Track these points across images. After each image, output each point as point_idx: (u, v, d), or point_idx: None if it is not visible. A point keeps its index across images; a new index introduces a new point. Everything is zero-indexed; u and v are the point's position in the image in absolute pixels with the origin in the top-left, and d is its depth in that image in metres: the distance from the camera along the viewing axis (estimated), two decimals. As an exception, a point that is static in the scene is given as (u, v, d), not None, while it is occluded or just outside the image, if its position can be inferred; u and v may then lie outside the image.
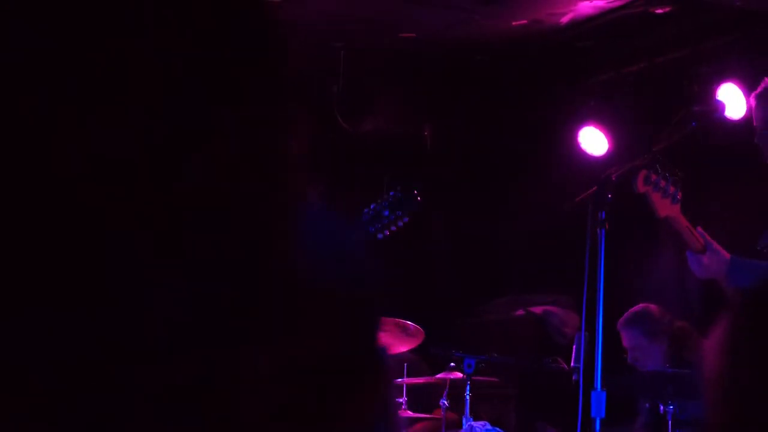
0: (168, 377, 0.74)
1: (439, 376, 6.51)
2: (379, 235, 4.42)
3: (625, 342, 5.69)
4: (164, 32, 0.73)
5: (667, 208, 4.34)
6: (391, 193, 4.52)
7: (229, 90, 0.76)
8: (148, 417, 0.73)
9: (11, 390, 0.70)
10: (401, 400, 6.55)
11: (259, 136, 0.78)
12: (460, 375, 6.30)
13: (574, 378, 5.13)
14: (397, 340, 6.47)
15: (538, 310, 7.33)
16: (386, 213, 4.47)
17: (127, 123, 0.72)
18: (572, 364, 5.58)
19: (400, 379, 6.55)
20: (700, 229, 4.45)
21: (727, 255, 4.26)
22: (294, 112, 0.81)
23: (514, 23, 6.94)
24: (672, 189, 4.35)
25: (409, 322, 6.42)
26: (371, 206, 4.49)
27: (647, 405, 5.55)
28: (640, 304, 5.76)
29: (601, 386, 4.28)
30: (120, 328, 0.72)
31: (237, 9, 0.78)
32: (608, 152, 7.13)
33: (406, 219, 4.47)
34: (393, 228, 4.46)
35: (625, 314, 5.72)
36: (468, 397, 6.13)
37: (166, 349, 0.74)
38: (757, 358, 1.04)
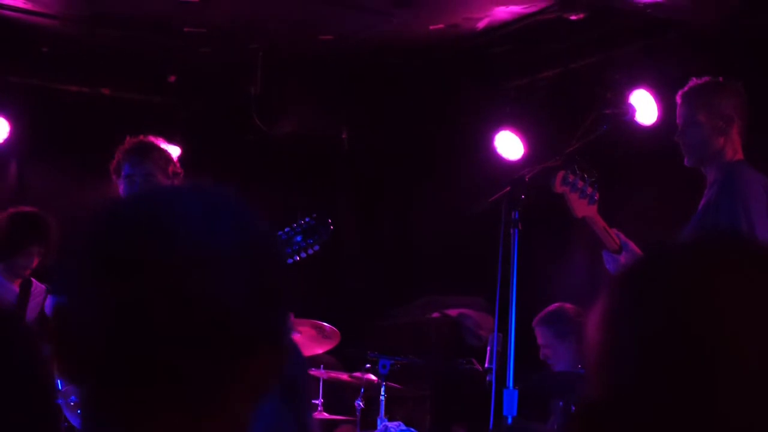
0: None
1: (355, 375, 6.53)
2: (289, 260, 4.45)
3: (539, 339, 5.76)
4: None
5: (584, 208, 4.39)
6: (306, 219, 4.55)
7: None
8: None
9: None
10: (317, 401, 6.55)
11: None
12: (375, 379, 6.31)
13: (488, 379, 5.17)
14: (313, 342, 6.47)
15: (453, 312, 7.36)
16: (299, 239, 4.51)
17: None
18: (486, 365, 5.62)
19: (317, 378, 6.56)
20: (615, 230, 4.51)
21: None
22: None
23: (431, 27, 6.98)
24: (589, 190, 4.40)
25: (325, 324, 6.42)
26: (285, 230, 4.52)
27: (561, 403, 5.61)
28: (557, 303, 5.82)
29: (514, 385, 4.31)
30: None
31: None
32: (524, 156, 7.20)
33: (317, 247, 4.53)
34: (303, 255, 4.51)
35: (542, 312, 5.79)
36: (383, 399, 6.16)
37: None
38: (627, 331, 1.07)
